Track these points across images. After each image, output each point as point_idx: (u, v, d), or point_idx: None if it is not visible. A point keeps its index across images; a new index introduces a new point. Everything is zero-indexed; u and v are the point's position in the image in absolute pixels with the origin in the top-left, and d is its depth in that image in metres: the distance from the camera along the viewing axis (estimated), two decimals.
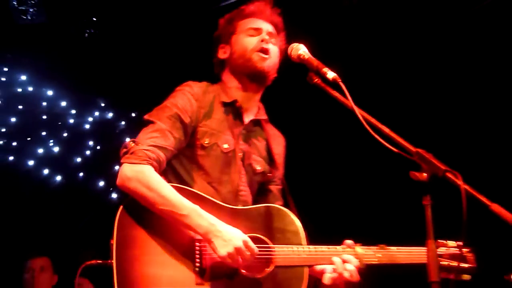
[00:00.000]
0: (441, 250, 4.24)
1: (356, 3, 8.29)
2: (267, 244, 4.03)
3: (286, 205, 4.40)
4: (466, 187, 3.25)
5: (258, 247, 3.93)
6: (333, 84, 3.75)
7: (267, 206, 4.24)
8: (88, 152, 9.69)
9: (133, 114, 9.71)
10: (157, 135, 4.07)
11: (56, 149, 9.49)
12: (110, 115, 9.91)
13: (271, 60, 4.41)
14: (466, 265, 4.23)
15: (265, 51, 4.35)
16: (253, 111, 4.53)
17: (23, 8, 8.32)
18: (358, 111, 3.59)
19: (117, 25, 8.86)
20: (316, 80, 3.87)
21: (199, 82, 4.44)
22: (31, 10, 8.33)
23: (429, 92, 8.72)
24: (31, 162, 9.31)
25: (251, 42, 4.40)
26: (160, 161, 4.00)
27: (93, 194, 9.50)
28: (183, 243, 3.89)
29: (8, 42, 8.94)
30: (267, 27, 4.50)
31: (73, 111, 9.66)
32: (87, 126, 9.77)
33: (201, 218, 3.83)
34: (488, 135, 8.46)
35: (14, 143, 9.24)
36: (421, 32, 8.51)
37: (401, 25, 8.52)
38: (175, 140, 4.11)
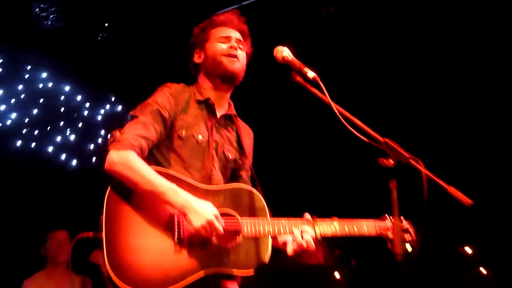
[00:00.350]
0: (388, 224, 4.31)
1: (334, 13, 8.34)
2: (235, 217, 4.10)
3: (253, 187, 4.43)
4: (427, 172, 3.31)
5: (228, 220, 4.02)
6: (313, 82, 3.80)
7: (237, 186, 4.32)
8: (99, 140, 9.68)
9: None
10: (140, 127, 4.12)
11: (72, 137, 9.48)
12: (119, 108, 9.90)
13: (239, 63, 4.47)
14: (409, 238, 4.26)
15: (233, 55, 4.42)
16: (224, 107, 4.58)
17: (44, 15, 8.33)
18: (334, 106, 3.65)
19: (126, 30, 8.87)
20: (298, 78, 3.91)
21: (177, 83, 4.50)
22: (51, 16, 8.34)
23: (396, 90, 8.76)
24: (50, 149, 9.30)
25: (221, 48, 4.46)
26: (142, 148, 4.05)
27: (104, 177, 9.47)
28: (163, 217, 3.95)
29: (31, 44, 8.94)
30: (235, 35, 4.56)
31: (87, 104, 9.67)
32: (99, 118, 9.77)
33: (177, 195, 3.88)
34: (448, 127, 8.51)
35: (36, 132, 9.22)
36: (392, 36, 8.56)
37: (373, 30, 8.54)
38: (155, 132, 4.16)
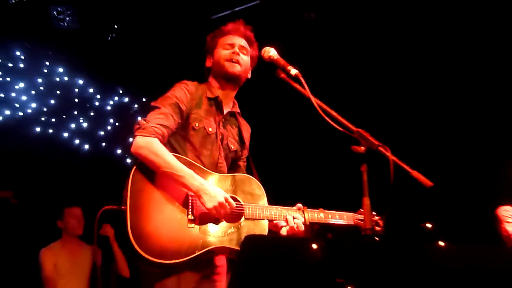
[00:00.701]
0: (361, 217, 4.38)
1: (314, 18, 8.38)
2: (240, 202, 4.23)
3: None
4: (394, 158, 3.32)
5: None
6: (295, 78, 3.86)
7: (242, 174, 4.48)
8: (109, 128, 9.66)
9: (144, 99, 9.69)
10: (162, 117, 4.23)
11: (85, 124, 9.45)
12: (126, 99, 9.88)
13: (240, 67, 4.53)
14: (378, 228, 4.32)
15: (235, 60, 4.50)
16: (230, 105, 4.66)
17: (61, 17, 8.33)
18: (313, 99, 3.69)
19: (132, 32, 8.88)
20: (282, 75, 3.97)
21: (192, 81, 4.56)
22: (67, 19, 8.34)
23: (368, 87, 8.80)
24: (65, 134, 9.27)
25: (225, 53, 4.55)
26: (164, 136, 4.18)
27: (112, 159, 9.51)
28: (180, 197, 4.08)
29: (49, 43, 8.93)
30: (239, 42, 4.61)
31: (98, 96, 9.64)
32: (108, 108, 9.73)
33: (194, 179, 4.03)
34: (413, 119, 8.56)
35: (53, 120, 9.18)
36: (364, 39, 8.59)
37: (347, 34, 8.58)
38: (175, 122, 4.27)
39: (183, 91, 4.41)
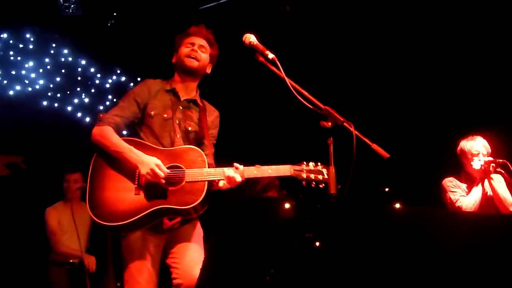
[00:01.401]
0: (303, 167, 4.31)
1: (289, 11, 8.40)
2: (182, 168, 4.30)
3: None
4: (356, 132, 3.34)
5: (174, 170, 4.29)
6: (272, 62, 3.86)
7: (185, 146, 4.51)
8: (108, 103, 9.60)
9: (139, 78, 9.63)
10: (118, 109, 4.54)
11: (86, 100, 9.39)
12: (123, 78, 9.83)
13: (198, 62, 4.68)
14: (321, 177, 4.27)
15: (193, 56, 4.66)
16: (191, 94, 4.76)
17: (67, 5, 8.28)
18: (287, 80, 3.70)
19: (129, 19, 8.84)
20: (260, 58, 3.95)
21: (154, 79, 4.76)
22: (72, 6, 8.29)
23: (336, 71, 8.85)
24: (69, 108, 9.20)
25: (185, 51, 4.70)
26: (117, 124, 4.44)
27: None
28: (130, 171, 4.29)
29: (56, 27, 8.87)
30: (199, 42, 4.76)
31: (98, 75, 9.56)
32: (107, 86, 9.67)
33: (132, 152, 4.26)
34: (374, 97, 8.64)
35: (58, 95, 9.10)
36: (329, 32, 8.64)
37: (316, 27, 8.61)
38: (130, 111, 4.53)
39: (141, 87, 4.63)
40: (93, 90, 9.50)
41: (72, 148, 8.60)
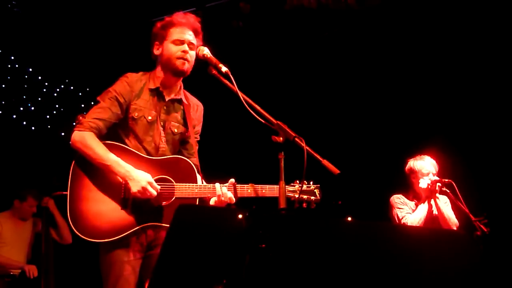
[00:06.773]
0: (297, 187, 4.27)
1: (242, 26, 8.54)
2: (172, 182, 4.16)
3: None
4: (307, 148, 3.42)
5: (163, 184, 4.13)
6: (225, 75, 3.88)
7: (173, 156, 4.35)
8: (54, 112, 9.43)
9: (87, 89, 9.55)
10: (99, 111, 4.22)
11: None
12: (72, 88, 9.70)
13: (189, 64, 4.36)
14: (313, 198, 4.31)
15: (185, 58, 4.31)
16: (174, 92, 4.47)
17: None
18: (240, 94, 3.75)
19: (80, 31, 8.74)
20: (214, 72, 3.97)
21: (136, 73, 4.45)
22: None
23: (289, 86, 9.00)
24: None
25: (175, 50, 4.32)
26: (100, 128, 4.17)
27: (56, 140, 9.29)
28: (114, 183, 4.10)
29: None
30: (188, 37, 4.37)
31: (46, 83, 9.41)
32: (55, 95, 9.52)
33: (120, 166, 4.04)
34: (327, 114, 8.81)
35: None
36: (282, 48, 8.79)
37: (269, 43, 8.75)
38: (113, 114, 4.22)
39: (123, 84, 4.31)
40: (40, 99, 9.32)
41: (18, 156, 8.51)
